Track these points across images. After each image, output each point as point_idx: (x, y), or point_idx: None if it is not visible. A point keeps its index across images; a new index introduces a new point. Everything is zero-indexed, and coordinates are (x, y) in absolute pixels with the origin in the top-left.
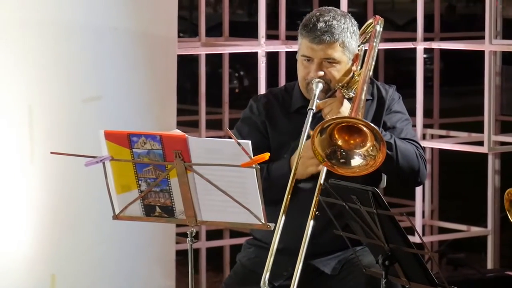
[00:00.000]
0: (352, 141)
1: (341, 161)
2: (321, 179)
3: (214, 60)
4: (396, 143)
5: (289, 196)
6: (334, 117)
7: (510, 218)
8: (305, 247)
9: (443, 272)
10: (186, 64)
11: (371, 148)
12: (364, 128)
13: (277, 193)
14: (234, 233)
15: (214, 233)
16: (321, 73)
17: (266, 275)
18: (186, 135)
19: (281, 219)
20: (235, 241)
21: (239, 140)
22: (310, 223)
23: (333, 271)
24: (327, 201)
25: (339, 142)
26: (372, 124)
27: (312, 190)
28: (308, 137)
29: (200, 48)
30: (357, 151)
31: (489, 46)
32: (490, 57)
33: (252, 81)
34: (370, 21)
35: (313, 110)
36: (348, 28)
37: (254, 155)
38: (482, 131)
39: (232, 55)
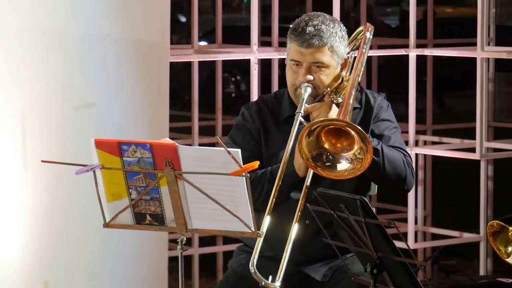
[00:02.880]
0: (339, 145)
1: (326, 164)
2: (307, 182)
3: (210, 65)
4: (383, 150)
5: (276, 193)
6: (321, 119)
7: (495, 249)
8: (289, 248)
9: (435, 278)
10: (183, 69)
11: (358, 151)
12: (351, 131)
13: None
14: (227, 240)
15: (207, 240)
16: (310, 77)
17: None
18: (176, 144)
19: (266, 221)
20: (228, 248)
21: (229, 149)
22: (295, 227)
23: (323, 278)
24: (316, 210)
25: (326, 145)
26: (359, 127)
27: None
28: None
29: (192, 56)
30: (344, 154)
31: (481, 53)
32: (482, 63)
33: (249, 85)
34: (360, 28)
35: (301, 113)
36: (337, 32)
37: (249, 162)
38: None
39: (229, 60)
